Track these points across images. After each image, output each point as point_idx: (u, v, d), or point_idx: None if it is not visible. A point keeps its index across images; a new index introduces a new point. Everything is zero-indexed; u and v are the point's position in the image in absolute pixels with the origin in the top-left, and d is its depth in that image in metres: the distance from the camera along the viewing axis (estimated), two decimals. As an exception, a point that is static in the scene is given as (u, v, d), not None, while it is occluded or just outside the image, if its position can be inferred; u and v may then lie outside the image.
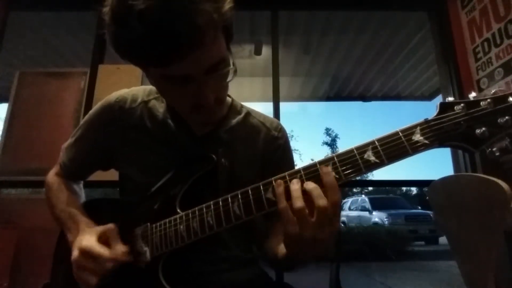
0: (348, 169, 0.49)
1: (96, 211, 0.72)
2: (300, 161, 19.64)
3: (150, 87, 0.77)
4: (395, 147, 0.47)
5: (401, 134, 0.47)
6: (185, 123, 0.73)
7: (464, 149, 0.46)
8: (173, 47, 0.50)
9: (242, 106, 0.82)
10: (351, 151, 0.49)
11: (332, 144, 23.49)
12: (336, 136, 23.77)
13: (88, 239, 0.60)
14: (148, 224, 0.63)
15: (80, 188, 0.82)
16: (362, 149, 0.49)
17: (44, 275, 0.78)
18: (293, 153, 0.86)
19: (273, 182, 0.52)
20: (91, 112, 0.76)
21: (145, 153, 0.71)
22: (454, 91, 2.13)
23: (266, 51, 3.14)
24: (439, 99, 3.73)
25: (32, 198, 2.14)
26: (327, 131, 23.84)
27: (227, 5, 0.53)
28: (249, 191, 0.54)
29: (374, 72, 3.67)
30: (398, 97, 4.21)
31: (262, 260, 0.78)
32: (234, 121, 0.76)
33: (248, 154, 0.75)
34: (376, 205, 9.90)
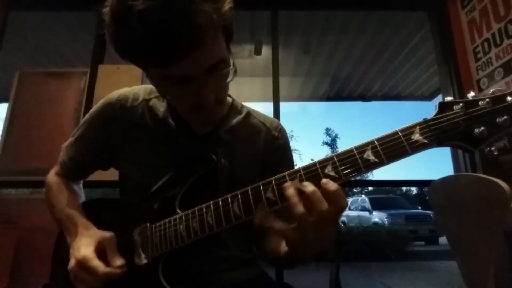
0: (348, 168, 0.49)
1: (95, 211, 0.72)
2: (300, 161, 19.64)
3: (151, 86, 0.77)
4: (394, 147, 0.47)
5: (400, 134, 0.47)
6: (186, 122, 0.73)
7: (463, 149, 0.46)
8: (173, 47, 0.50)
9: (242, 106, 0.82)
10: (350, 150, 0.49)
11: (332, 144, 23.51)
12: (336, 136, 23.79)
13: (85, 248, 0.59)
14: (148, 224, 0.63)
15: (80, 188, 0.82)
16: (361, 148, 0.49)
17: (44, 275, 0.78)
18: (293, 153, 0.86)
19: (273, 181, 0.52)
20: (92, 110, 0.76)
21: (146, 152, 0.72)
22: (454, 91, 2.13)
23: (266, 51, 3.14)
24: (439, 99, 3.73)
25: (32, 198, 2.15)
26: (327, 131, 23.87)
27: (227, 5, 0.53)
28: (249, 191, 0.54)
29: (374, 72, 3.67)
30: (398, 97, 4.22)
31: (262, 260, 0.78)
32: (235, 121, 0.76)
33: (248, 154, 0.75)
34: (376, 205, 9.90)
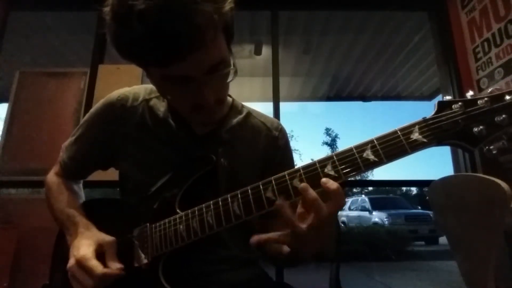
0: (348, 168, 0.49)
1: (95, 211, 0.72)
2: (300, 161, 19.61)
3: (151, 86, 0.77)
4: (394, 146, 0.47)
5: (399, 133, 0.47)
6: (186, 122, 0.73)
7: (462, 148, 0.46)
8: (173, 47, 0.50)
9: (243, 106, 0.82)
10: (350, 150, 0.49)
11: (332, 144, 23.52)
12: (336, 136, 23.81)
13: (85, 248, 0.60)
14: (148, 224, 0.63)
15: (79, 188, 0.82)
16: (361, 148, 0.49)
17: (44, 275, 0.78)
18: (293, 153, 0.86)
19: (273, 181, 0.52)
20: (92, 110, 0.76)
21: (146, 152, 0.71)
22: (454, 91, 2.13)
23: (266, 51, 3.14)
24: (439, 99, 3.71)
25: (32, 198, 2.15)
26: (327, 131, 23.89)
27: (228, 5, 0.53)
28: (249, 190, 0.54)
29: (374, 72, 3.67)
30: (398, 97, 4.22)
31: (262, 260, 0.78)
32: (235, 121, 0.76)
33: (249, 154, 0.75)
34: (376, 205, 9.91)
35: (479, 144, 0.44)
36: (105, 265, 0.59)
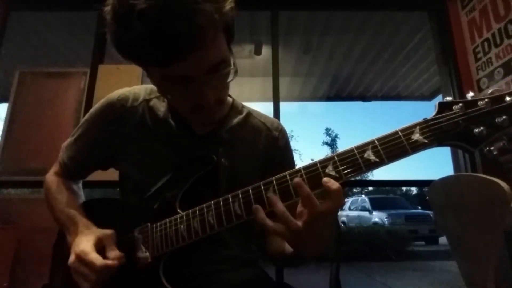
0: (348, 168, 0.49)
1: (95, 211, 0.72)
2: (300, 161, 19.65)
3: (151, 86, 0.77)
4: (395, 147, 0.47)
5: (400, 134, 0.47)
6: (186, 122, 0.73)
7: (462, 149, 0.46)
8: (173, 47, 0.50)
9: (243, 106, 0.82)
10: (351, 150, 0.49)
11: (332, 144, 23.53)
12: (336, 136, 23.82)
13: (85, 243, 0.60)
14: (149, 224, 0.63)
15: (79, 188, 0.82)
16: (362, 148, 0.49)
17: (44, 275, 0.78)
18: (293, 153, 0.86)
19: (274, 181, 0.52)
20: (92, 110, 0.76)
21: (146, 152, 0.71)
22: (454, 91, 2.14)
23: (266, 51, 3.14)
24: (439, 99, 3.73)
25: (32, 198, 2.15)
26: (327, 131, 23.89)
27: (228, 5, 0.53)
28: (250, 190, 0.54)
29: (374, 72, 3.67)
30: (398, 97, 4.22)
31: (262, 260, 0.78)
32: (235, 121, 0.76)
33: (249, 154, 0.75)
34: (376, 205, 9.92)
35: (480, 145, 0.44)
36: (105, 258, 0.59)
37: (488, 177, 0.87)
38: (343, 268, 0.96)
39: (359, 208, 10.59)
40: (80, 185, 0.83)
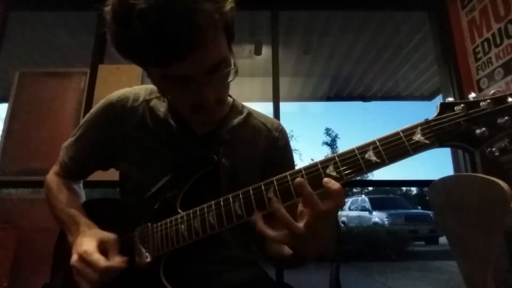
0: (349, 169, 0.49)
1: (96, 211, 0.72)
2: (300, 161, 19.63)
3: (151, 86, 0.77)
4: (396, 147, 0.47)
5: (402, 134, 0.47)
6: (186, 122, 0.73)
7: (464, 149, 0.46)
8: (173, 47, 0.50)
9: (243, 106, 0.82)
10: (352, 151, 0.49)
11: (332, 144, 23.51)
12: (336, 136, 23.80)
13: (88, 243, 0.60)
14: (149, 224, 0.63)
15: (80, 188, 0.82)
16: (363, 149, 0.49)
17: (44, 275, 0.78)
18: (293, 153, 0.86)
19: (274, 181, 0.52)
20: (92, 111, 0.76)
21: (146, 152, 0.71)
22: (454, 91, 2.14)
23: (266, 51, 3.14)
24: (439, 99, 3.74)
25: (32, 198, 2.14)
26: (327, 131, 23.87)
27: (229, 5, 0.53)
28: (250, 190, 0.54)
29: (374, 72, 3.67)
30: (398, 97, 4.22)
31: (262, 260, 0.78)
32: (236, 121, 0.76)
33: (249, 154, 0.75)
34: (376, 205, 9.92)
35: (481, 145, 0.44)
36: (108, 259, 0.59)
37: (488, 177, 0.87)
38: (343, 268, 0.96)
39: (359, 208, 10.59)
40: (81, 185, 0.83)
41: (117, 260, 0.58)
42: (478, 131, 0.44)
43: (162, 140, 0.72)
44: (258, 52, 3.20)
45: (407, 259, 6.41)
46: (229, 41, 0.61)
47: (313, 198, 0.47)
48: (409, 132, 0.47)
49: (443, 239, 7.33)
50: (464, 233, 1.00)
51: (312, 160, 0.54)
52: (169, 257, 0.60)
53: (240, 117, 0.78)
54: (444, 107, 0.47)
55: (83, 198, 0.80)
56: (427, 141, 0.46)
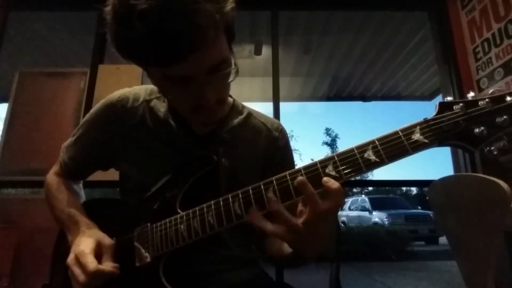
0: (349, 168, 0.49)
1: (96, 211, 0.72)
2: (300, 161, 19.64)
3: (152, 86, 0.77)
4: (395, 146, 0.47)
5: (401, 134, 0.47)
6: (186, 122, 0.73)
7: (463, 148, 0.46)
8: (174, 48, 0.50)
9: (243, 106, 0.82)
10: (351, 150, 0.49)
11: (332, 144, 23.52)
12: (336, 136, 23.81)
13: (85, 244, 0.60)
14: (149, 224, 0.63)
15: (80, 188, 0.82)
16: (362, 148, 0.49)
17: (44, 275, 0.78)
18: (293, 153, 0.86)
19: (274, 181, 0.52)
20: (92, 111, 0.76)
21: (146, 152, 0.71)
22: (454, 91, 2.14)
23: (266, 51, 3.14)
24: (439, 99, 3.74)
25: (32, 198, 2.15)
26: (327, 131, 23.89)
27: (229, 5, 0.53)
28: (250, 190, 0.54)
29: (374, 72, 3.67)
30: (398, 97, 4.22)
31: (262, 260, 0.78)
32: (236, 121, 0.76)
33: (249, 154, 0.75)
34: (376, 205, 9.92)
35: (480, 145, 0.44)
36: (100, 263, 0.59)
37: (488, 177, 0.87)
38: (343, 268, 0.96)
39: (359, 208, 10.58)
40: (81, 185, 0.83)
41: (108, 265, 0.58)
42: (476, 130, 0.44)
43: (162, 140, 0.72)
44: (258, 52, 3.20)
45: (407, 259, 6.41)
46: (230, 41, 0.61)
47: (315, 197, 0.47)
48: (408, 131, 0.47)
49: (443, 239, 7.33)
50: (464, 233, 1.00)
51: (312, 160, 0.54)
52: (169, 257, 0.60)
53: (240, 117, 0.78)
54: (443, 107, 0.47)
55: (83, 198, 0.80)
56: (426, 140, 0.46)
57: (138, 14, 0.47)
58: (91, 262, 0.57)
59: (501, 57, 1.81)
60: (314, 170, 0.50)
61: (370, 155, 0.48)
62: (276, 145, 0.79)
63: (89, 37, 2.31)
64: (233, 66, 0.60)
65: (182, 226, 0.59)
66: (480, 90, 1.94)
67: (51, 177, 0.78)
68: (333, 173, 0.49)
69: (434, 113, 0.48)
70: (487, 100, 0.45)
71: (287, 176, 0.51)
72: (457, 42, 2.15)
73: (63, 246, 0.68)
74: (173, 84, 0.57)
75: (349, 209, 11.08)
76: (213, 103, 0.60)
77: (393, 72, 3.65)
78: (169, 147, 0.71)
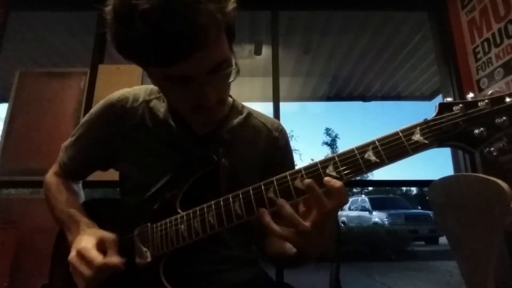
0: (349, 168, 0.49)
1: (96, 211, 0.72)
2: (300, 161, 19.63)
3: (151, 87, 0.77)
4: (395, 147, 0.47)
5: (401, 134, 0.48)
6: (186, 123, 0.73)
7: (463, 149, 0.47)
8: (174, 48, 0.50)
9: (243, 106, 0.82)
10: (351, 151, 0.49)
11: (332, 144, 23.50)
12: (336, 136, 23.78)
13: (87, 241, 0.60)
14: (149, 224, 0.63)
15: (79, 188, 0.82)
16: (362, 149, 0.49)
17: (44, 275, 0.78)
18: (293, 153, 0.86)
19: (274, 181, 0.52)
20: (92, 111, 0.76)
21: (146, 153, 0.71)
22: (454, 91, 2.14)
23: (266, 51, 3.14)
24: (439, 99, 3.74)
25: (32, 198, 2.15)
26: (327, 131, 23.85)
27: (231, 5, 0.53)
28: (250, 190, 0.54)
29: (374, 72, 3.67)
30: (398, 97, 4.22)
31: (262, 260, 0.78)
32: (236, 121, 0.77)
33: (249, 155, 0.75)
34: (376, 205, 9.92)
35: (480, 145, 0.44)
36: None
37: (488, 177, 0.87)
38: (343, 268, 0.96)
39: (359, 208, 10.59)
40: (80, 185, 0.83)
41: (114, 259, 0.58)
42: (476, 131, 0.44)
43: (162, 140, 0.72)
44: (258, 52, 3.20)
45: (407, 259, 6.41)
46: (230, 41, 0.61)
47: (322, 198, 0.48)
48: (408, 132, 0.47)
49: (443, 239, 7.33)
50: (464, 233, 1.00)
51: (312, 160, 0.54)
52: (169, 257, 0.60)
53: (240, 117, 0.78)
54: (443, 107, 0.47)
55: (83, 198, 0.80)
56: (426, 141, 0.46)
57: (139, 14, 0.47)
58: (96, 256, 0.57)
59: (501, 57, 1.81)
60: (315, 171, 0.50)
61: (370, 155, 0.48)
62: (276, 145, 0.79)
63: (89, 37, 2.31)
64: (233, 66, 0.60)
65: (182, 226, 0.59)
66: (480, 90, 1.94)
67: (51, 177, 0.78)
68: (334, 173, 0.49)
69: (434, 114, 0.48)
70: (486, 101, 0.45)
71: (288, 176, 0.51)
72: (457, 42, 2.15)
73: (63, 246, 0.68)
74: (173, 84, 0.57)
75: (349, 209, 11.08)
76: (213, 103, 0.60)
77: (393, 72, 3.65)
78: (169, 147, 0.71)
